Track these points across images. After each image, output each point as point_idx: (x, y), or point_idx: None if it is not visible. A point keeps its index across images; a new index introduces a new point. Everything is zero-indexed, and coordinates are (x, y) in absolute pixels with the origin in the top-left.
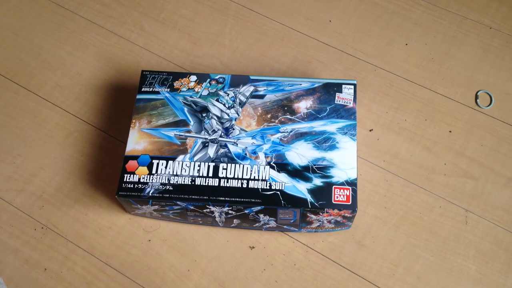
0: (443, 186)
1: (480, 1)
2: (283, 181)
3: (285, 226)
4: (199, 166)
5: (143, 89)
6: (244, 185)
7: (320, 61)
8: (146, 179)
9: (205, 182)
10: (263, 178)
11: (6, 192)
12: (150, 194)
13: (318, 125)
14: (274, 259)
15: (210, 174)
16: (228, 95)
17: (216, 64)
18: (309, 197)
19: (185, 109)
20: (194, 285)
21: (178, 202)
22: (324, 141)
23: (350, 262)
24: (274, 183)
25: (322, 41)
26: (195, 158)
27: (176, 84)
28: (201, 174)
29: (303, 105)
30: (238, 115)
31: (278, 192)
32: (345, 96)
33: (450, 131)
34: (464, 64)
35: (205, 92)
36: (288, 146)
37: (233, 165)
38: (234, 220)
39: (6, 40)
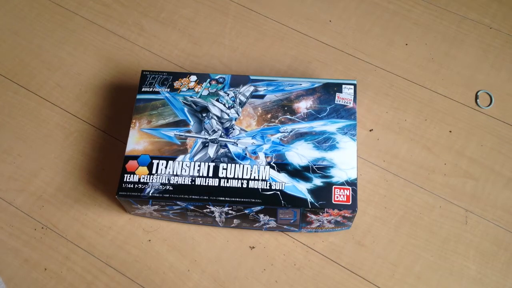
0: (443, 186)
1: (480, 1)
2: (283, 181)
3: (285, 226)
4: (199, 166)
5: (143, 89)
6: (244, 185)
7: (320, 61)
8: (146, 179)
9: (205, 182)
10: (263, 178)
11: (6, 192)
12: (150, 194)
13: (318, 125)
14: (274, 259)
15: (210, 174)
16: (228, 95)
17: (216, 64)
18: (309, 197)
19: (185, 109)
20: (194, 285)
21: (178, 202)
22: (324, 141)
23: (350, 262)
24: (274, 183)
25: (322, 41)
26: (195, 158)
27: (176, 84)
28: (201, 174)
29: (303, 105)
30: (238, 115)
31: (278, 192)
32: (345, 96)
33: (450, 131)
34: (464, 64)
35: (205, 92)
36: (288, 146)
37: (233, 165)
38: (234, 220)
39: (6, 40)
